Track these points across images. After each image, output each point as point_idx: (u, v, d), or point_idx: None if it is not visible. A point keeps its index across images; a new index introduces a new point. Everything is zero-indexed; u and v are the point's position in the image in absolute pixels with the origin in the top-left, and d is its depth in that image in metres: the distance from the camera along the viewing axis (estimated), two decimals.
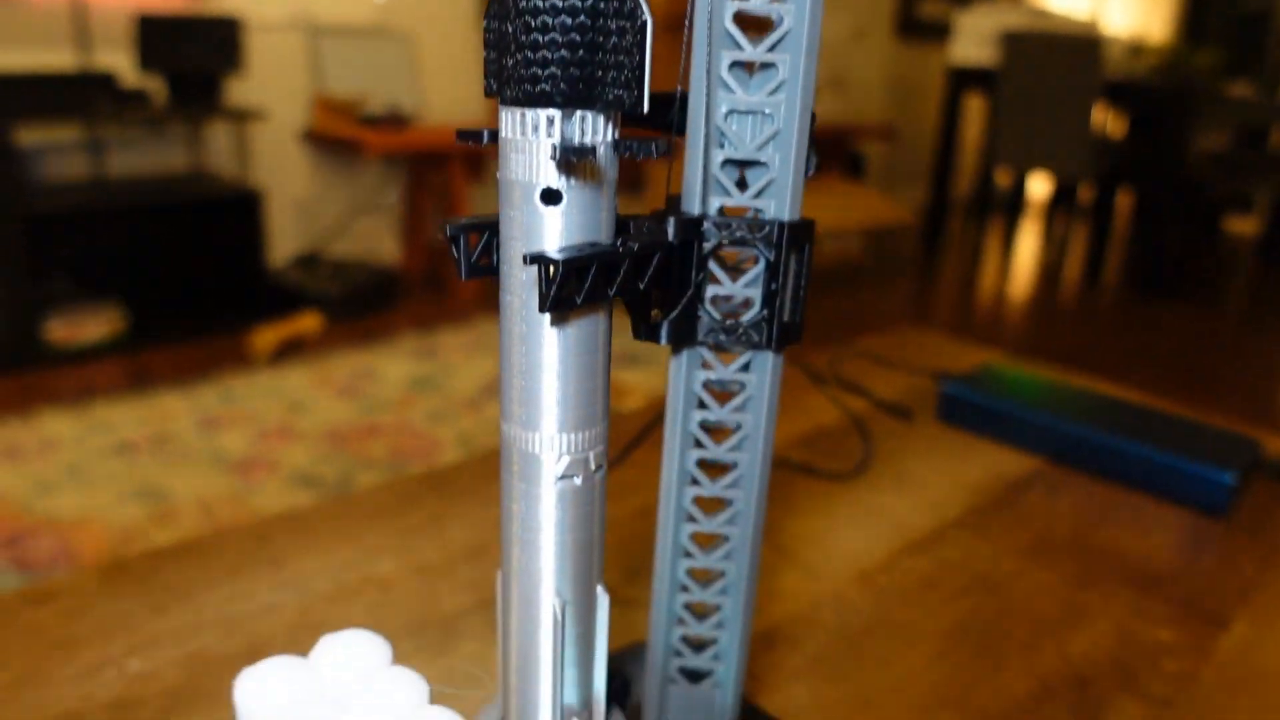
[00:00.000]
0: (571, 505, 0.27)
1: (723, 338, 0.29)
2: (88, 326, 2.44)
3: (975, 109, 4.30)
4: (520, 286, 0.25)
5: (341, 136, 2.69)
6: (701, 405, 0.31)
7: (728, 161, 0.28)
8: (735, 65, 0.27)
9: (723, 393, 0.31)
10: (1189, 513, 0.66)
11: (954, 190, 4.27)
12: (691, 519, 0.32)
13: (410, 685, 0.28)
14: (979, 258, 4.08)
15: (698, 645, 0.34)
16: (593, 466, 0.27)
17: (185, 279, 2.72)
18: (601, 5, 0.22)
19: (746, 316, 0.29)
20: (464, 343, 2.55)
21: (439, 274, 3.08)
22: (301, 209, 2.93)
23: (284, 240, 2.89)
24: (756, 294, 0.29)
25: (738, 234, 0.28)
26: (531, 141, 0.24)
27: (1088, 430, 0.71)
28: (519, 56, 0.22)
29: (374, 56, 2.88)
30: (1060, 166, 3.57)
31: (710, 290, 0.29)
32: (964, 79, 3.82)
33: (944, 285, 3.74)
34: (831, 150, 3.81)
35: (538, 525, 0.27)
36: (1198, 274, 3.95)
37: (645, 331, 0.28)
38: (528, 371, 0.26)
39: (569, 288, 0.24)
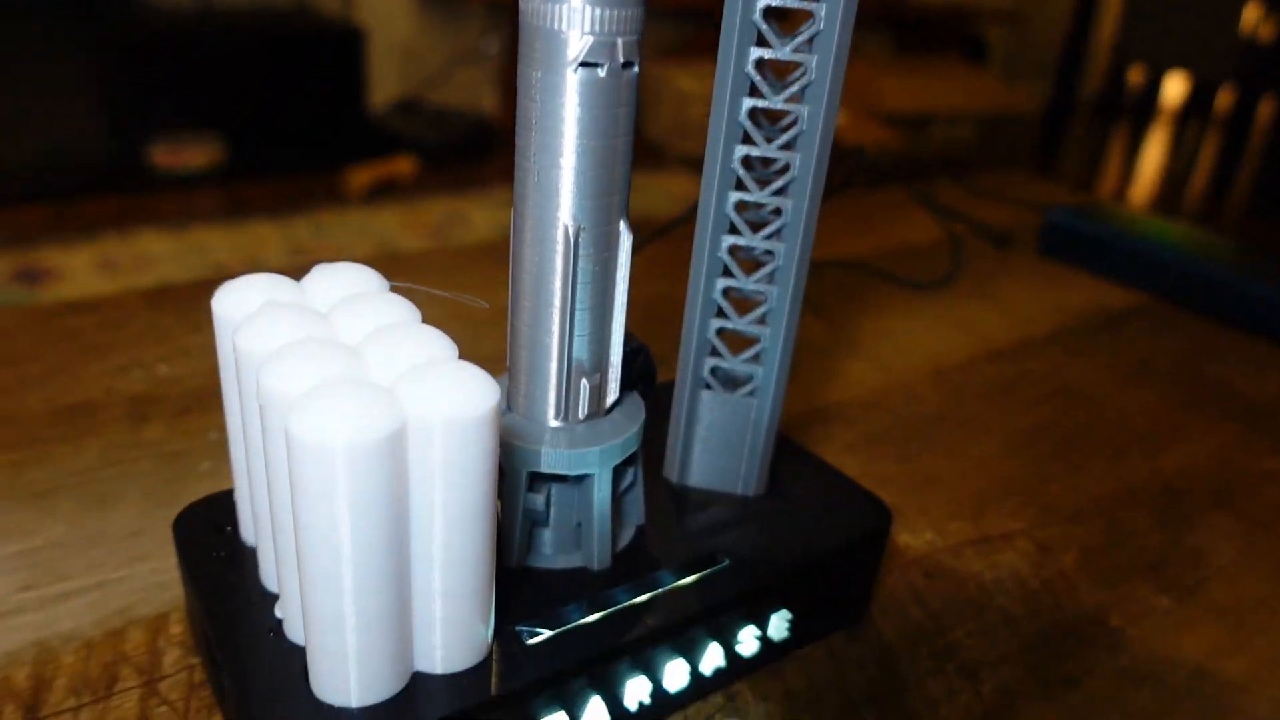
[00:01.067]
0: (594, 102, 0.23)
1: None
2: (189, 154, 2.47)
3: None
4: None
5: None
6: (760, 41, 0.26)
7: None
8: None
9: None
10: None
11: (1081, 86, 3.98)
12: (740, 185, 0.28)
13: (403, 307, 0.25)
14: (1100, 160, 3.83)
15: (736, 344, 0.30)
16: (620, 59, 0.23)
17: (285, 114, 2.73)
18: None
19: None
20: None
21: None
22: (404, 53, 2.90)
23: (384, 84, 2.87)
24: None
25: None
26: None
27: (1203, 266, 0.63)
28: None
29: None
30: (1201, 65, 3.29)
31: None
32: None
33: (1060, 185, 3.53)
34: (949, 32, 3.58)
35: (554, 125, 0.23)
36: None
37: None
38: None
39: None
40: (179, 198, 2.33)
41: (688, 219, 0.31)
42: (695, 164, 0.62)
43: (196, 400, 0.43)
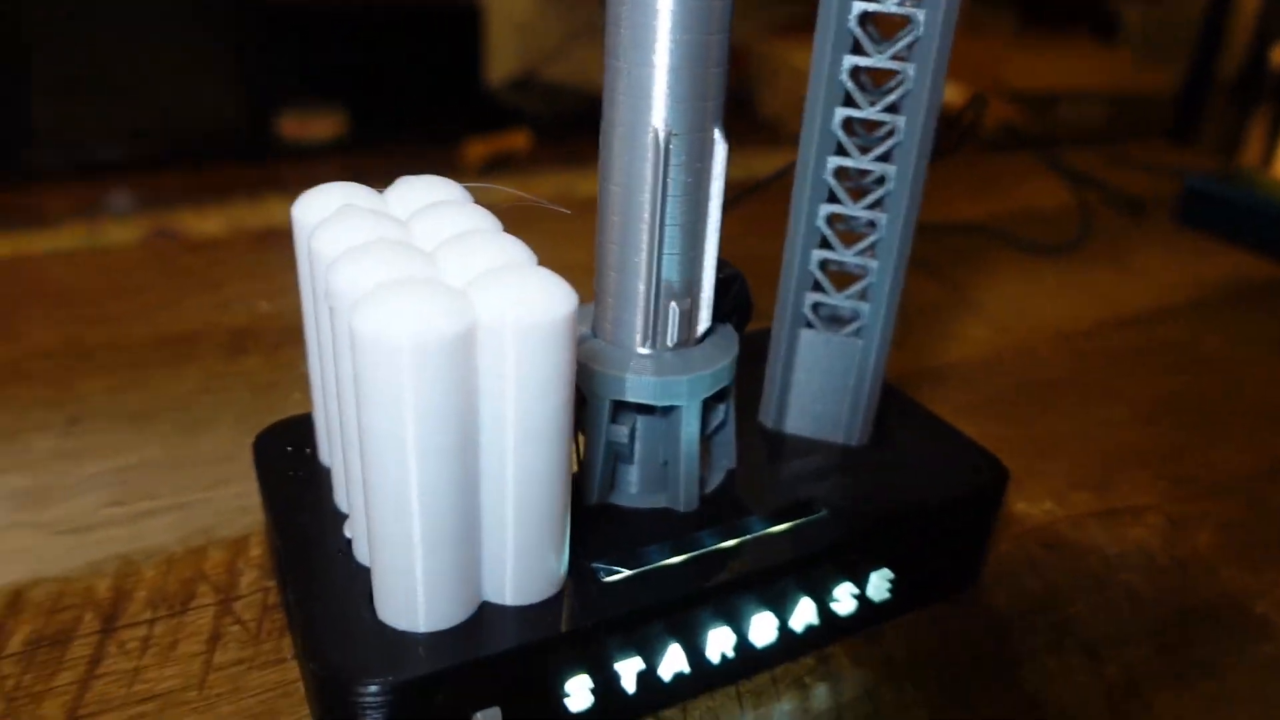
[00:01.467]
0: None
1: None
2: (315, 125, 2.54)
3: None
4: None
5: None
6: None
7: None
8: None
9: None
10: None
11: (1220, 66, 3.73)
12: (850, 101, 0.26)
13: (484, 217, 0.23)
14: (1235, 147, 3.58)
15: (841, 280, 0.28)
16: None
17: (405, 88, 2.78)
18: None
19: None
20: None
21: None
22: (521, 30, 2.92)
23: (502, 60, 2.90)
24: None
25: None
26: None
27: None
28: None
29: None
30: None
31: None
32: None
33: (1200, 155, 3.31)
34: (1079, 8, 3.40)
35: (645, 19, 0.21)
36: None
37: None
38: None
39: None
40: (305, 166, 2.41)
41: (785, 173, 0.28)
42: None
43: (292, 335, 0.42)
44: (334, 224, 0.22)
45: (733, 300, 0.27)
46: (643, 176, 0.23)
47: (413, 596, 0.21)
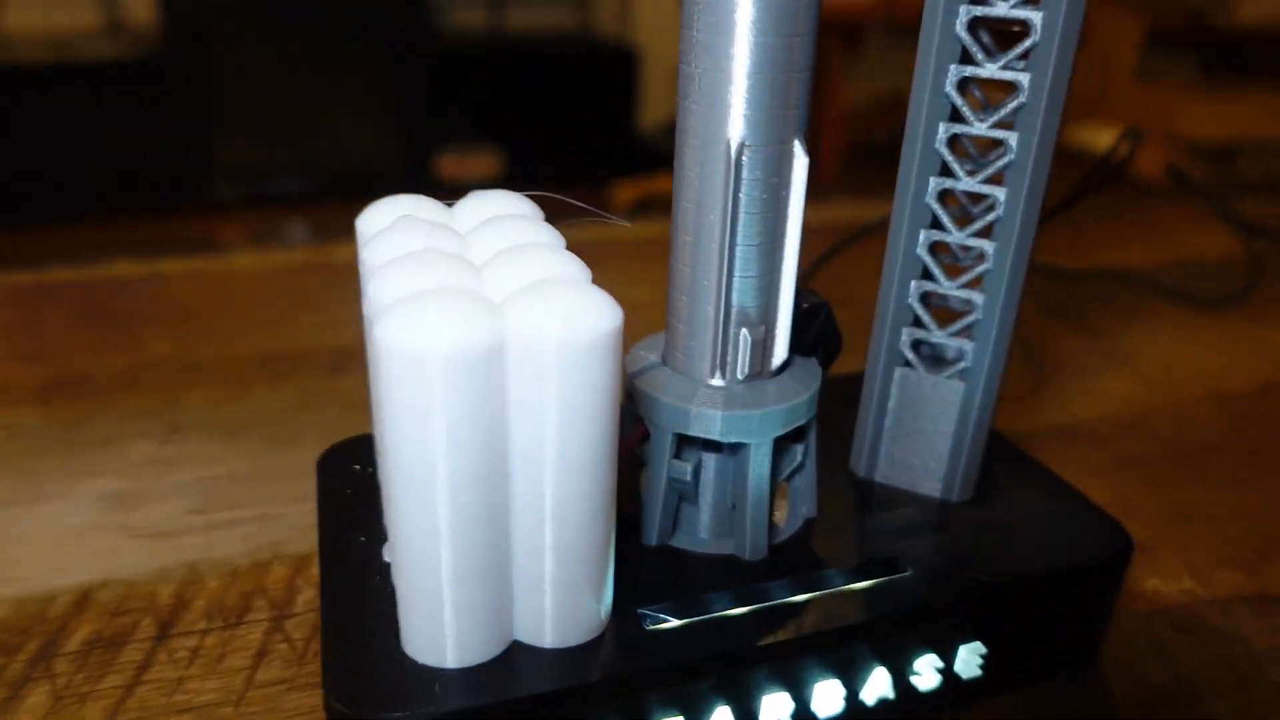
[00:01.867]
0: None
1: None
2: (473, 164, 2.64)
3: None
4: None
5: None
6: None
7: None
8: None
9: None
10: None
11: None
12: (957, 116, 0.23)
13: (547, 233, 0.22)
14: None
15: (945, 317, 0.25)
16: None
17: (560, 129, 2.86)
18: None
19: None
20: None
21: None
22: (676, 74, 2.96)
23: (656, 103, 2.95)
24: None
25: None
26: None
27: None
28: None
29: None
30: None
31: None
32: None
33: None
34: (1267, 52, 3.17)
35: (721, 20, 0.20)
36: None
37: None
38: None
39: None
40: None
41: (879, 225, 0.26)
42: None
43: None
44: (388, 234, 0.22)
45: (817, 332, 0.25)
46: (714, 192, 0.21)
47: (437, 629, 0.20)
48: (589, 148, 2.80)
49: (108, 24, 2.24)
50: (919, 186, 0.24)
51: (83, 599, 0.27)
